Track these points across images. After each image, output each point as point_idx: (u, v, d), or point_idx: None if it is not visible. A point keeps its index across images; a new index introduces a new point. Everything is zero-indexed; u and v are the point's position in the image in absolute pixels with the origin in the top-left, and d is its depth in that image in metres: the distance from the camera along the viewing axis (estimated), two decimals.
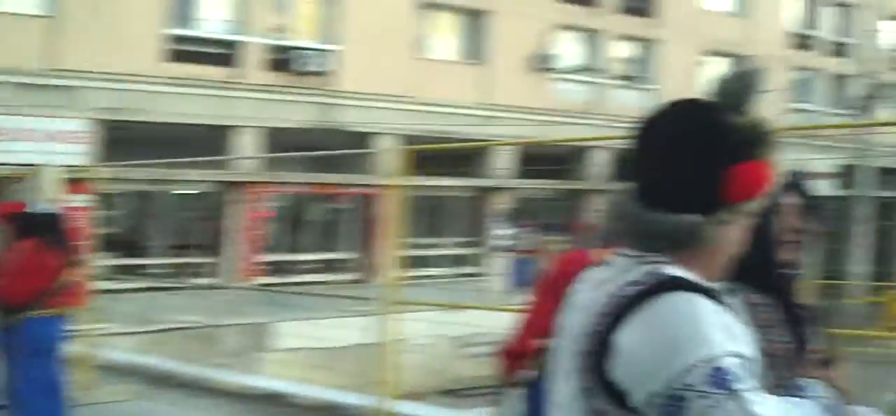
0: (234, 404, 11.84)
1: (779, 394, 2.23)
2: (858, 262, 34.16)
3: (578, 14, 34.74)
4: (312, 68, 27.73)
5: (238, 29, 27.13)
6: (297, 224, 29.57)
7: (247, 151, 26.21)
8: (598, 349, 2.10)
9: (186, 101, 25.59)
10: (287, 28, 28.13)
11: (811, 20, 44.17)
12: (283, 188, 28.05)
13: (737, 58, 37.59)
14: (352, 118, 27.99)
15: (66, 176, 12.59)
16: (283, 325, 19.87)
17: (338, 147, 26.34)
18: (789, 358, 2.99)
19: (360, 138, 27.83)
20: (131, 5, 24.74)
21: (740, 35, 39.82)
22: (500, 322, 7.54)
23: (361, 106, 28.15)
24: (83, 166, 18.30)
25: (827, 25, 44.76)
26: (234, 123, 26.44)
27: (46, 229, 8.42)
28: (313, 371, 15.53)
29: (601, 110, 34.18)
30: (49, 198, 11.00)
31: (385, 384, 9.79)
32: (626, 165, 2.31)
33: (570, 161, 33.39)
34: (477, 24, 32.47)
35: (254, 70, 27.06)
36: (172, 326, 19.30)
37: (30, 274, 8.20)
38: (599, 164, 30.86)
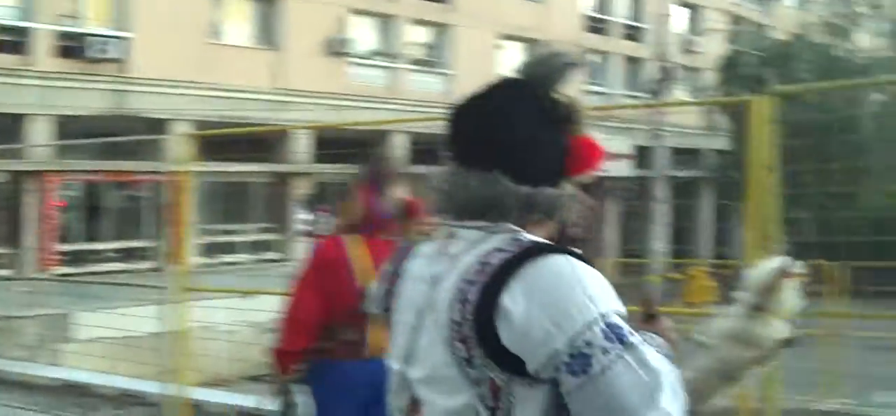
0: (35, 396, 11.90)
1: None
2: (657, 240, 36.06)
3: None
4: (105, 55, 27.89)
5: (26, 15, 27.09)
6: (94, 213, 29.49)
7: (39, 139, 26.15)
8: (481, 317, 2.21)
9: None
10: (78, 14, 28.14)
11: (605, 5, 46.16)
12: (78, 177, 28.04)
13: (536, 42, 39.25)
14: (146, 105, 28.22)
15: None
16: (83, 315, 19.66)
17: (133, 134, 27.06)
18: None
19: (156, 125, 27.93)
20: None
21: (535, 20, 41.33)
22: None
23: (156, 92, 28.46)
24: None
25: (620, 10, 46.90)
26: (24, 112, 26.56)
27: None
28: (114, 361, 15.50)
29: (398, 95, 35.35)
30: None
31: (183, 372, 9.94)
32: (455, 141, 2.45)
33: (369, 146, 34.51)
34: (270, 9, 33.17)
35: (44, 57, 27.11)
36: None
37: None
38: (399, 147, 32.26)
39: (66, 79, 27.36)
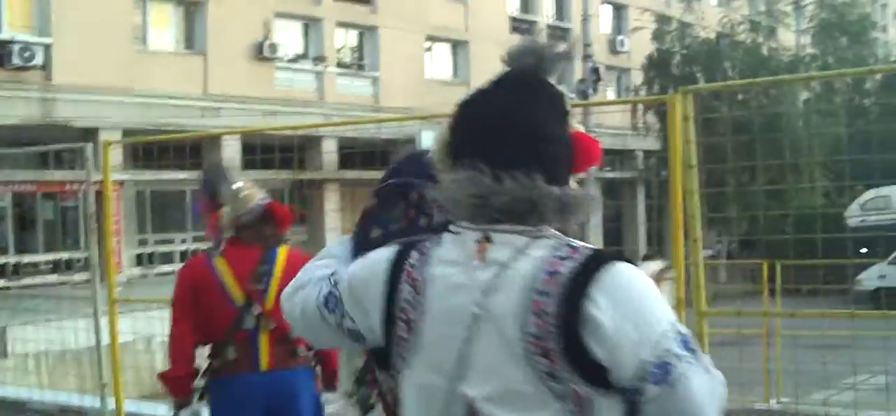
0: None
1: None
2: (590, 241, 36.68)
3: (298, 3, 36.16)
4: (30, 63, 27.76)
5: None
6: (23, 224, 29.54)
7: None
8: (567, 329, 2.22)
9: None
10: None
11: (530, 5, 46.78)
12: (6, 188, 28.10)
13: (463, 44, 40.53)
14: (72, 113, 28.16)
15: None
16: (15, 329, 19.81)
17: (60, 143, 27.25)
18: None
19: (85, 133, 27.07)
20: None
21: (461, 21, 42.06)
22: None
23: (82, 100, 28.43)
24: None
25: (546, 10, 47.56)
26: None
27: None
28: (47, 375, 15.66)
29: (326, 98, 35.90)
30: None
31: (115, 385, 9.79)
32: (482, 141, 2.39)
33: (299, 150, 34.65)
34: (195, 14, 33.36)
35: None
36: None
37: None
38: (328, 152, 32.23)
39: None
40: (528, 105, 2.41)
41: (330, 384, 6.01)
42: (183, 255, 30.89)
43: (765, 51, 41.16)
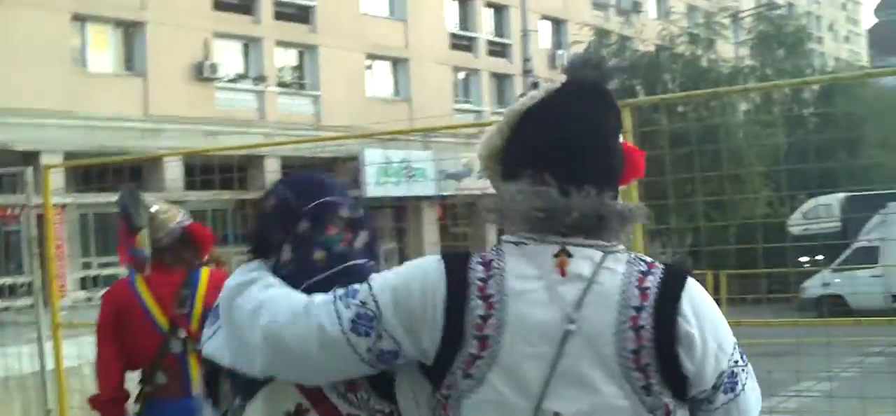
0: None
1: None
2: None
3: (237, 22, 36.63)
4: None
5: None
6: None
7: None
8: (663, 344, 2.30)
9: None
10: None
11: (469, 22, 47.45)
12: None
13: (403, 61, 40.94)
14: (13, 136, 28.11)
15: None
16: None
17: (0, 167, 27.40)
18: None
19: (24, 157, 27.20)
20: None
21: (401, 39, 42.78)
22: None
23: (22, 123, 28.46)
24: None
25: (485, 26, 48.31)
26: None
27: None
28: None
29: (268, 117, 36.38)
30: None
31: (61, 411, 9.66)
32: (550, 154, 2.41)
33: (240, 170, 34.04)
34: (134, 35, 33.67)
35: None
36: None
37: None
38: (271, 171, 32.31)
39: None
40: (601, 118, 2.46)
41: None
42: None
43: (704, 63, 41.79)
